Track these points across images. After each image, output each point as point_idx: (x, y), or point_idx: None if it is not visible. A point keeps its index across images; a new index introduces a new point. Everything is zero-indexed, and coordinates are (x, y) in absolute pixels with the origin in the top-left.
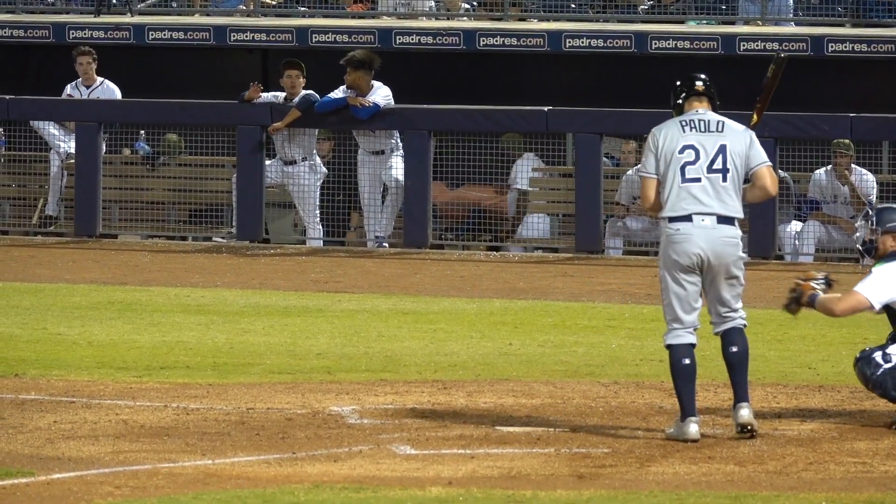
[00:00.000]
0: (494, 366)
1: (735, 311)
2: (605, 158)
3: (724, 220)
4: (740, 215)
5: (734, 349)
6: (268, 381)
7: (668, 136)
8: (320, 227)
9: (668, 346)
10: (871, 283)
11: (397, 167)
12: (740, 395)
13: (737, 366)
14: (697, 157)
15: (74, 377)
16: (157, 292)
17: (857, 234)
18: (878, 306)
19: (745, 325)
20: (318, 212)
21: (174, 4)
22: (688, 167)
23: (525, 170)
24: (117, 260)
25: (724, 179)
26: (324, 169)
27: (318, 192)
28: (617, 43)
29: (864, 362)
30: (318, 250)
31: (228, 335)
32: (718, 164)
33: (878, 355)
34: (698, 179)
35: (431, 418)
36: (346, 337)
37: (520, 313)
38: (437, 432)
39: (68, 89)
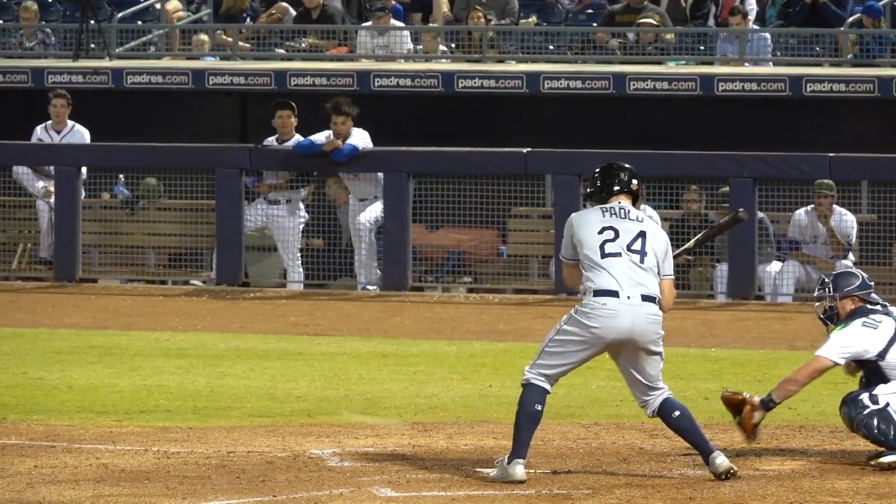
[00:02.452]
0: (475, 408)
1: (661, 388)
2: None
3: (647, 297)
4: (660, 296)
5: (677, 413)
6: (248, 424)
7: (586, 221)
8: (301, 271)
9: (526, 384)
10: (830, 345)
11: (369, 210)
12: (704, 449)
13: (688, 427)
14: (617, 236)
15: (55, 421)
16: (137, 336)
17: (817, 304)
18: (841, 361)
19: (672, 395)
20: (299, 255)
21: (152, 48)
22: (607, 244)
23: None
24: (97, 304)
25: (642, 261)
26: (305, 213)
27: (299, 235)
28: (595, 84)
29: (850, 404)
30: (298, 293)
31: (208, 379)
32: (637, 246)
33: (865, 397)
34: (619, 254)
35: (412, 461)
36: (327, 380)
37: (500, 355)
38: (418, 474)
39: (38, 132)
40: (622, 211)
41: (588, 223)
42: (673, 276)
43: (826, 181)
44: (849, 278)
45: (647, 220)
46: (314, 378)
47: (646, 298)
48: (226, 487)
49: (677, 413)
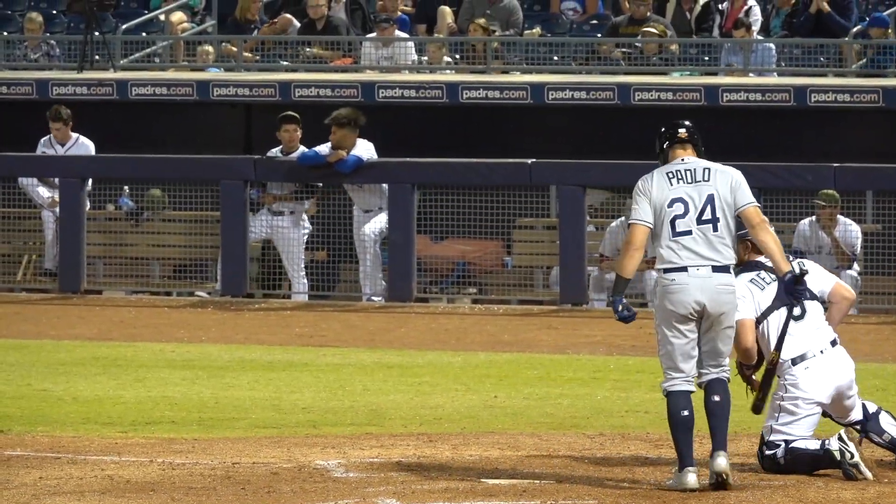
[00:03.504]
0: (480, 418)
1: (722, 366)
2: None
3: (719, 268)
4: (734, 262)
5: (716, 398)
6: (253, 435)
7: (657, 187)
8: (305, 282)
9: (667, 394)
10: (742, 305)
11: (373, 221)
12: (717, 442)
13: (717, 414)
14: (686, 210)
15: (60, 433)
16: (142, 348)
17: None
18: (756, 315)
19: (728, 379)
20: (303, 265)
21: (157, 60)
22: (678, 220)
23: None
24: (102, 316)
25: (715, 229)
26: (308, 224)
27: (302, 247)
28: (600, 95)
29: (759, 455)
30: (303, 304)
31: (213, 390)
32: (708, 215)
33: (763, 447)
34: (689, 232)
35: (417, 471)
36: (331, 391)
37: (505, 366)
38: (423, 485)
39: (42, 144)
40: (688, 173)
41: (661, 191)
42: (753, 203)
43: (826, 192)
44: None
45: (714, 173)
46: (319, 389)
47: (717, 269)
48: (231, 499)
49: (717, 398)
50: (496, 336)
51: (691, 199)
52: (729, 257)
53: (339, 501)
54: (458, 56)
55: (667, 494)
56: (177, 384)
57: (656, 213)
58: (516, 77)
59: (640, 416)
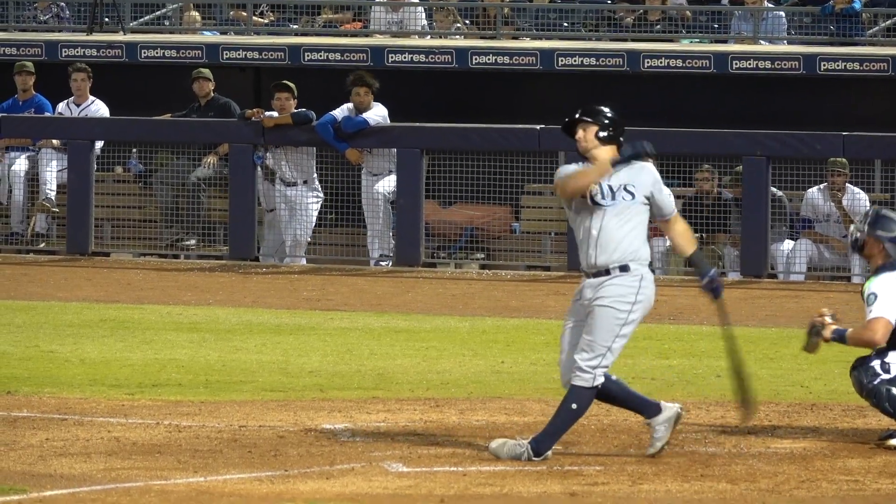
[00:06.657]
0: (486, 384)
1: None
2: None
3: None
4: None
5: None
6: (260, 398)
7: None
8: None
9: (596, 386)
10: (883, 302)
11: (385, 181)
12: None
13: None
14: None
15: (66, 394)
16: (150, 310)
17: (853, 226)
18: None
19: None
20: (310, 233)
21: (166, 23)
22: None
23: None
24: (109, 278)
25: None
26: (321, 193)
27: (315, 215)
28: (609, 61)
29: (861, 370)
30: (310, 268)
31: (221, 353)
32: None
33: (876, 364)
34: None
35: (423, 436)
36: (339, 355)
37: (512, 331)
38: (430, 450)
39: (60, 108)
40: None
41: None
42: None
43: (839, 159)
44: (888, 224)
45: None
46: (326, 353)
47: None
48: (237, 461)
49: (575, 406)
50: (503, 301)
51: None
52: None
53: (345, 465)
54: (468, 22)
55: (671, 460)
56: (184, 347)
57: None
58: (526, 43)
59: (647, 382)
